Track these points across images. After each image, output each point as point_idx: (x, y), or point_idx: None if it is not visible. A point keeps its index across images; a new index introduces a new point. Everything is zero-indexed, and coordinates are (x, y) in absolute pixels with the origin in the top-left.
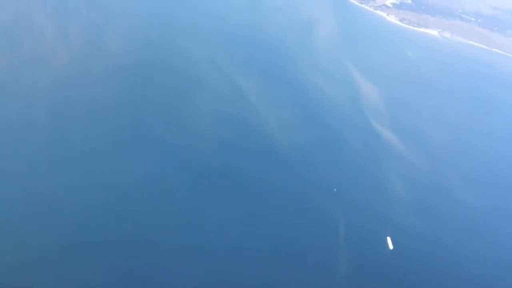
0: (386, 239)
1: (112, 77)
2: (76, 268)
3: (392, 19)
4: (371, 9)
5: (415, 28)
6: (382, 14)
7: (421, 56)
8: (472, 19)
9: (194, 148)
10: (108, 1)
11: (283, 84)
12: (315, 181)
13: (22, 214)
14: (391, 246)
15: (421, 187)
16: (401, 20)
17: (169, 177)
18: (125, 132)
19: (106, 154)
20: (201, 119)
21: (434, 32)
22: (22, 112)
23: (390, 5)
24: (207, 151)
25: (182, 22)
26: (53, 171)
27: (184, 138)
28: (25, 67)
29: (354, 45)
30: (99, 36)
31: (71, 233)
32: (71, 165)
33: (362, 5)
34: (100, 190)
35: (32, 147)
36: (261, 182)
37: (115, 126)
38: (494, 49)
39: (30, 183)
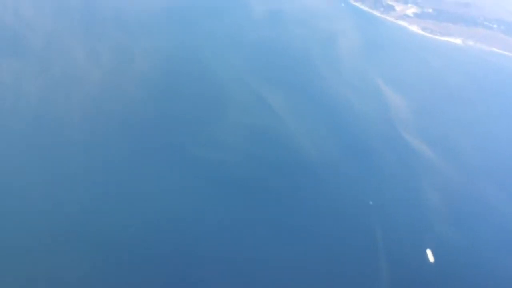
0: (426, 252)
1: (141, 93)
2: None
3: (415, 28)
4: (393, 19)
5: (438, 37)
6: (404, 24)
7: (446, 65)
8: (494, 26)
9: (224, 162)
10: (133, 21)
11: (310, 96)
12: (349, 194)
13: (60, 230)
14: (431, 259)
15: (457, 198)
16: (424, 29)
17: (200, 191)
18: (155, 147)
19: (138, 170)
20: (229, 133)
21: (457, 41)
22: (56, 128)
23: (412, 15)
24: (236, 165)
25: (206, 37)
26: (86, 186)
27: (214, 152)
28: (57, 86)
29: (378, 56)
30: (127, 54)
31: (108, 246)
32: (104, 180)
33: (383, 16)
34: (134, 205)
35: (66, 163)
36: (293, 196)
37: (145, 142)
38: None
39: (66, 197)
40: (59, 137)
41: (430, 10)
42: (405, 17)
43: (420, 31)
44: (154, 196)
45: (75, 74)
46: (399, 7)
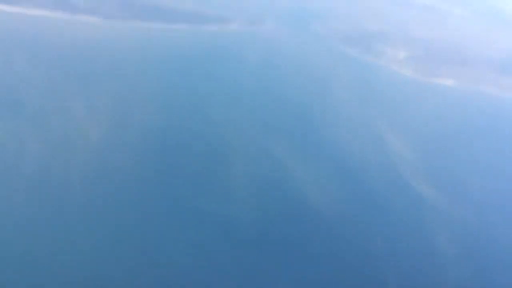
0: None
1: (142, 148)
2: None
3: (407, 72)
4: (384, 63)
5: (430, 80)
6: (396, 67)
7: (442, 107)
8: (486, 65)
9: (232, 216)
10: (130, 72)
11: (312, 143)
12: (361, 243)
13: None
14: None
15: (472, 243)
16: (416, 72)
17: (211, 247)
18: (160, 203)
19: (143, 229)
20: (235, 185)
21: (450, 82)
22: (56, 186)
23: (403, 58)
24: (244, 218)
25: (204, 88)
26: (90, 248)
27: (220, 205)
28: (55, 143)
29: (373, 100)
30: (126, 107)
31: None
32: (109, 241)
33: (375, 60)
34: (139, 268)
35: (67, 226)
36: (307, 249)
37: (149, 199)
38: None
39: (70, 263)
40: (59, 196)
41: (421, 53)
42: (396, 61)
43: (412, 74)
44: (163, 257)
45: (73, 130)
46: (390, 52)
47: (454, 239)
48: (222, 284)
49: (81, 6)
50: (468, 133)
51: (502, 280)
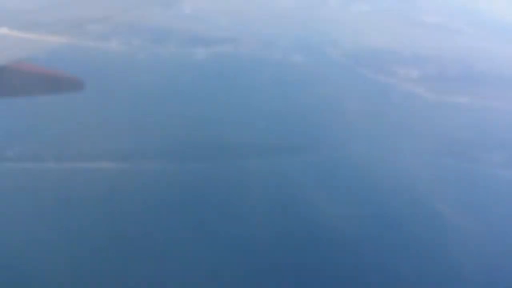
0: None
1: (160, 160)
2: None
3: (420, 90)
4: (397, 83)
5: (444, 98)
6: (409, 86)
7: (457, 125)
8: (499, 81)
9: (254, 241)
10: (147, 95)
11: (328, 163)
12: (394, 276)
13: None
14: None
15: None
16: (429, 90)
17: (233, 274)
18: (174, 227)
19: (157, 252)
20: (255, 209)
21: (463, 100)
22: (84, 220)
23: (415, 77)
24: (267, 244)
25: (216, 111)
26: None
27: (237, 228)
28: (75, 163)
29: (389, 120)
30: (144, 127)
31: None
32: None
33: (387, 80)
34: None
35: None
36: (335, 276)
37: (165, 221)
38: None
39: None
40: (85, 226)
41: (433, 71)
42: (409, 80)
43: (425, 93)
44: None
45: (94, 153)
46: (402, 71)
47: (489, 275)
48: None
49: (97, 32)
50: (485, 150)
51: None
